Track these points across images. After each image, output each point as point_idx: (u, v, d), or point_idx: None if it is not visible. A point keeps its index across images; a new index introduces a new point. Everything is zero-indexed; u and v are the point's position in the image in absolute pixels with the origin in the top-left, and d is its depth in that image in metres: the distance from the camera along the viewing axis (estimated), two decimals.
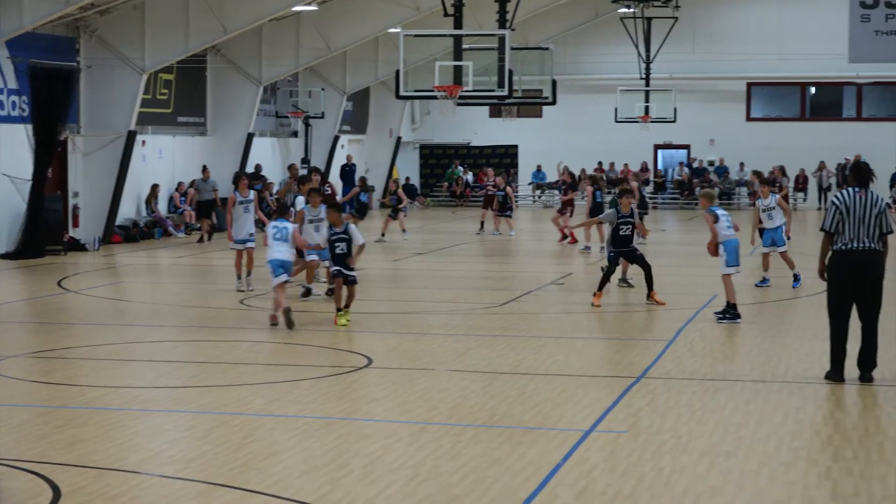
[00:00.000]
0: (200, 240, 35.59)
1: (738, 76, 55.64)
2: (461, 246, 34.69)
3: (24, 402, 13.72)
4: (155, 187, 37.56)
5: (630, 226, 21.73)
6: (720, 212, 19.77)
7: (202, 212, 37.09)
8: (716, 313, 19.83)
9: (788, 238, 24.16)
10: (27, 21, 28.52)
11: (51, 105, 30.74)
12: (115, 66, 34.17)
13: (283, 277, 18.97)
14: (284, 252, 19.15)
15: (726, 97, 56.41)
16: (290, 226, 19.48)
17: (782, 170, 51.96)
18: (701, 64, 55.36)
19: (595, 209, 30.78)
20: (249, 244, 23.03)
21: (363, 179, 42.22)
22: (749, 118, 56.90)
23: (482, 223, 38.97)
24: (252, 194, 23.48)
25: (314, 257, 21.93)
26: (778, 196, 24.39)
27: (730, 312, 19.54)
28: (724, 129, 56.34)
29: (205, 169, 38.09)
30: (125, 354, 17.09)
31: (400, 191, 36.85)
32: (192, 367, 16.15)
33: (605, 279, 21.70)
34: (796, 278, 24.03)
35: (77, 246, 32.26)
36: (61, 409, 13.16)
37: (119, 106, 34.31)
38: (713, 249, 19.77)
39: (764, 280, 24.28)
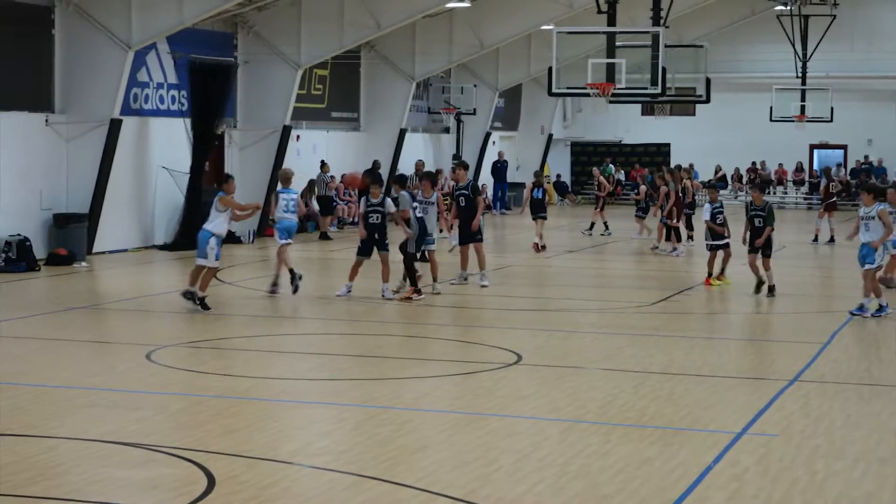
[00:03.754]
0: (324, 236, 35.14)
1: None
2: (611, 244, 34.49)
3: (179, 391, 14.00)
4: (311, 182, 37.74)
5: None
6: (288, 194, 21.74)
7: (325, 208, 36.57)
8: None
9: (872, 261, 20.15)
10: (187, 17, 29.05)
11: (209, 99, 31.27)
12: (272, 61, 34.66)
13: None
14: None
15: (885, 97, 55.22)
16: None
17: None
18: (859, 63, 54.25)
19: (535, 205, 31.85)
20: (429, 246, 22.60)
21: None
22: None
23: (594, 223, 37.67)
24: (435, 195, 23.16)
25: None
26: (882, 207, 20.23)
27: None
28: (882, 129, 55.16)
29: (323, 164, 37.84)
30: (278, 346, 17.33)
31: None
32: (342, 359, 16.31)
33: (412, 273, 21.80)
34: (880, 308, 20.20)
35: (232, 238, 32.71)
36: (215, 399, 13.39)
37: (275, 101, 34.82)
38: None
39: (881, 308, 20.26)
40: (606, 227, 37.26)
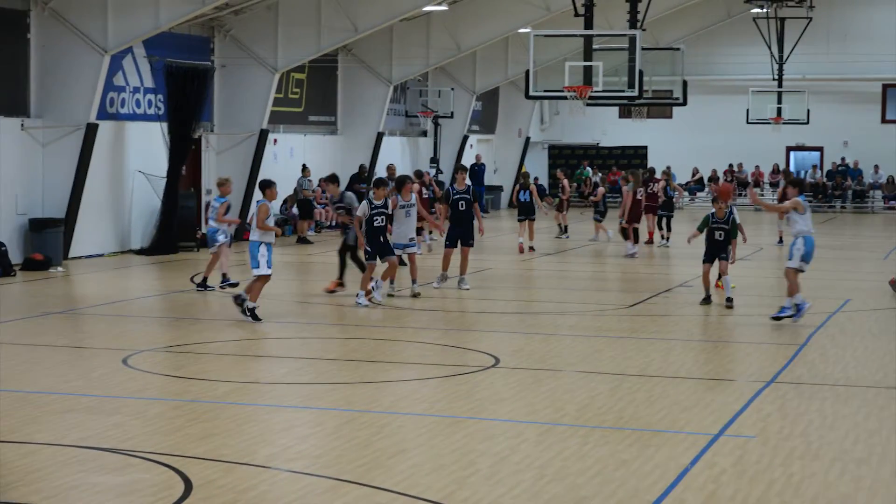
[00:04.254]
0: (302, 240, 35.13)
1: (873, 77, 54.60)
2: (590, 247, 34.53)
3: (157, 396, 13.97)
4: (296, 190, 37.58)
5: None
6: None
7: (304, 212, 36.53)
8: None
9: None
10: (163, 21, 28.99)
11: (185, 103, 31.23)
12: (249, 65, 34.63)
13: None
14: None
15: (861, 99, 55.44)
16: None
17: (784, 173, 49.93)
18: (835, 65, 54.44)
19: (522, 207, 32.46)
20: (410, 249, 22.75)
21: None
22: (884, 120, 55.82)
23: (567, 226, 37.82)
24: (414, 197, 23.16)
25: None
26: (800, 198, 19.32)
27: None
28: (858, 131, 55.38)
29: (305, 168, 37.84)
30: (256, 350, 17.31)
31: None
32: (321, 363, 16.30)
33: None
34: (783, 309, 19.57)
35: (209, 242, 32.65)
36: (193, 403, 13.37)
37: (252, 105, 34.78)
38: None
39: (783, 308, 19.61)
40: (564, 231, 37.42)
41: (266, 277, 19.50)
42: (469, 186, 23.92)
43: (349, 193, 23.25)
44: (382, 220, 21.35)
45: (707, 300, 21.85)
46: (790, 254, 19.43)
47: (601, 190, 36.00)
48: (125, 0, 28.51)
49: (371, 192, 21.76)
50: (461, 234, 23.53)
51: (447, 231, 23.77)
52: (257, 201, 19.85)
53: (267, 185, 19.95)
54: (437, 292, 23.14)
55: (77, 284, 25.44)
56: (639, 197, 31.87)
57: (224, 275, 23.10)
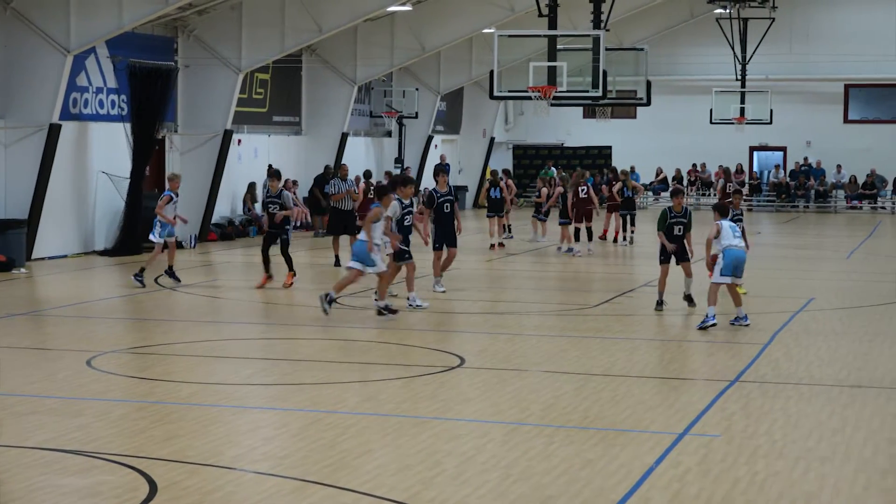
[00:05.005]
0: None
1: (835, 77, 54.92)
2: (553, 246, 34.57)
3: (121, 398, 13.91)
4: (252, 186, 37.73)
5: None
6: None
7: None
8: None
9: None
10: (127, 21, 28.86)
11: (149, 104, 31.11)
12: (212, 65, 34.52)
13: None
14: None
15: (823, 99, 55.76)
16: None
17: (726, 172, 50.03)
18: (797, 65, 54.75)
19: (492, 204, 34.06)
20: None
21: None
22: (847, 120, 56.17)
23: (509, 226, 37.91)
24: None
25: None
26: (718, 223, 19.29)
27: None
28: (820, 131, 55.71)
29: (270, 168, 37.71)
30: (220, 351, 17.25)
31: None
32: (286, 364, 16.28)
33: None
34: (736, 319, 19.38)
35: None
36: (158, 405, 13.32)
37: (216, 105, 34.67)
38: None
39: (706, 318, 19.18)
40: (506, 230, 37.51)
41: (359, 273, 19.82)
42: (451, 188, 23.78)
43: (286, 192, 23.43)
44: (411, 218, 21.26)
45: (660, 305, 21.29)
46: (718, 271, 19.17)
47: (544, 191, 35.92)
48: (88, 0, 28.40)
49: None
50: (446, 236, 23.21)
51: (433, 234, 23.18)
52: (372, 205, 20.11)
53: (384, 192, 20.41)
54: (400, 292, 23.04)
55: (40, 286, 25.32)
56: (583, 195, 32.01)
57: (143, 269, 23.86)
